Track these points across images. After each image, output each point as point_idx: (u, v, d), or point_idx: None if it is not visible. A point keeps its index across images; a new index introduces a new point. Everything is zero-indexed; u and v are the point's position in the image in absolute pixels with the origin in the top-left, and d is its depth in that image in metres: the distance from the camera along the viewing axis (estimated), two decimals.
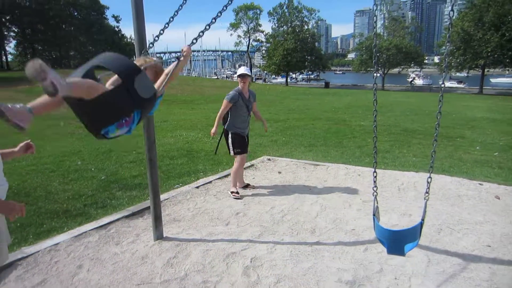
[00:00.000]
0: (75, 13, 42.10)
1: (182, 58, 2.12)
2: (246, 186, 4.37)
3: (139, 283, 2.45)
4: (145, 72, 1.77)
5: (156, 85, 1.98)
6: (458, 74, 44.36)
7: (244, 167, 4.37)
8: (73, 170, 5.15)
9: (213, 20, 2.31)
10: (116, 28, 46.53)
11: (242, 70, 4.15)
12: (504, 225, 3.34)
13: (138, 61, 2.06)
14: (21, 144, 1.92)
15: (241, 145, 4.08)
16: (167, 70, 2.11)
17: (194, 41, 2.29)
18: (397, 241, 2.03)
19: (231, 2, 2.48)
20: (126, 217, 3.50)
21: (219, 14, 2.35)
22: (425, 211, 2.06)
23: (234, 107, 4.03)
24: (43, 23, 38.82)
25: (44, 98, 1.47)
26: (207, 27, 2.35)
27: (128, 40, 45.15)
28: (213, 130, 4.12)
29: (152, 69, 2.06)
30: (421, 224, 2.01)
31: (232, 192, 4.10)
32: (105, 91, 1.57)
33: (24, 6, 37.58)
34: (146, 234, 3.16)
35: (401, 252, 2.07)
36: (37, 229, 3.23)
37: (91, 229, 3.20)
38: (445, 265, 2.65)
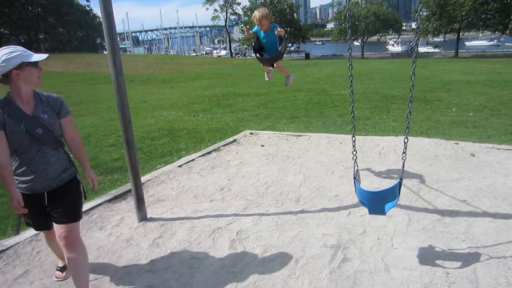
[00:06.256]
0: None
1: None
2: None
3: (125, 265, 2.43)
4: None
5: None
6: (435, 39, 44.84)
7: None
8: None
9: None
10: (87, 8, 43.81)
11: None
12: (478, 180, 3.49)
13: None
14: None
15: (29, 213, 2.03)
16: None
17: None
18: (378, 201, 2.08)
19: None
20: (109, 201, 3.42)
21: None
22: (403, 171, 2.10)
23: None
24: (7, 5, 35.89)
25: None
26: None
27: (100, 20, 42.71)
28: None
29: None
30: (399, 184, 2.05)
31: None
32: None
33: None
34: (130, 216, 3.11)
35: (382, 212, 2.13)
36: (15, 220, 3.11)
37: None
38: (425, 222, 2.76)
